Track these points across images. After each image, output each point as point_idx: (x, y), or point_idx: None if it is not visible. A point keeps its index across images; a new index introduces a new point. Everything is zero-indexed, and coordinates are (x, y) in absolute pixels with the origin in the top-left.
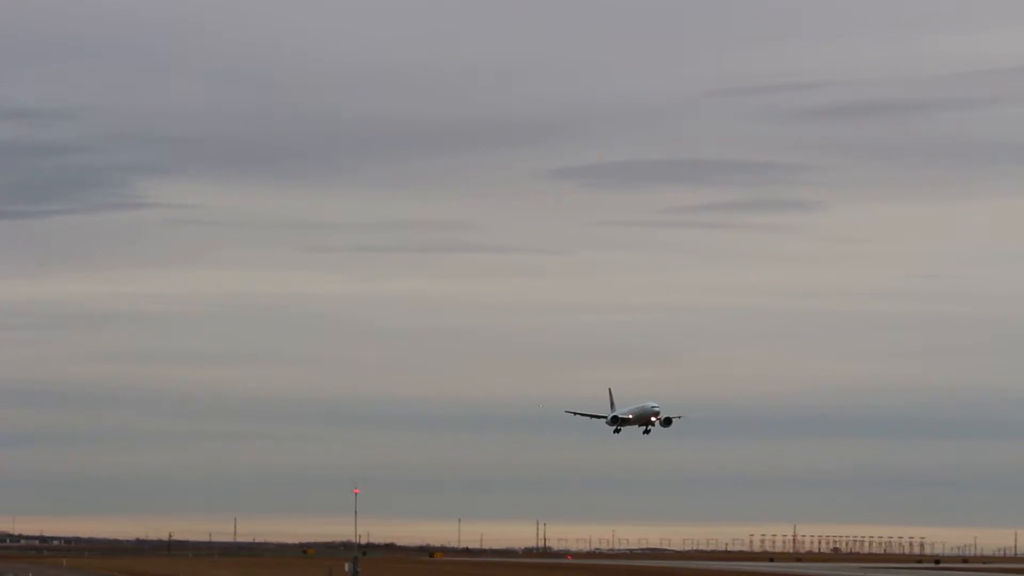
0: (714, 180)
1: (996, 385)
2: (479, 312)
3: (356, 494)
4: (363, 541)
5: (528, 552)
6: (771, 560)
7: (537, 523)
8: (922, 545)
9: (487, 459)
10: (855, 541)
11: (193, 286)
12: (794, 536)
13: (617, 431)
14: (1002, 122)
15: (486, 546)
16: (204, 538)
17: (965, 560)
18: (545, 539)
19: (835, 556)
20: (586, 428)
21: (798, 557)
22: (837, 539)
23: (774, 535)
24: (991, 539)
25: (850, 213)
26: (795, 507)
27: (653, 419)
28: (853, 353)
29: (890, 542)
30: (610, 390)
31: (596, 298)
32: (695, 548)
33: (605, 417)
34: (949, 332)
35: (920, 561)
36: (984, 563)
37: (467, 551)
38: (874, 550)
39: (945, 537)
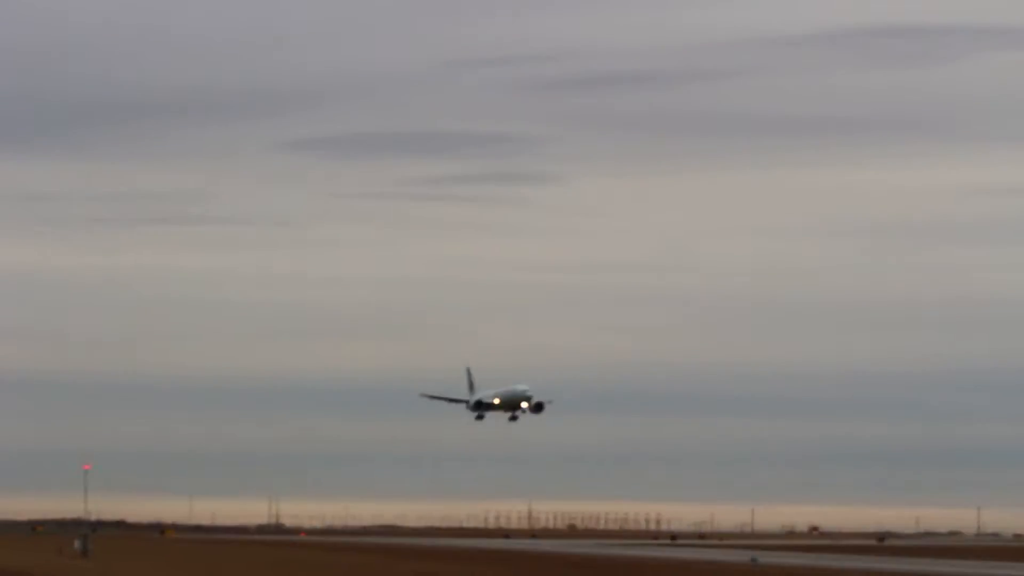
0: (455, 152)
1: (750, 360)
2: (213, 285)
3: (86, 470)
4: (93, 518)
5: (261, 528)
6: (506, 537)
7: (269, 500)
8: (658, 521)
9: (219, 435)
10: (591, 517)
11: None
12: (529, 513)
13: (480, 417)
14: (752, 94)
15: (218, 523)
16: None
17: (702, 536)
18: (278, 516)
19: (571, 532)
20: (321, 407)
21: (533, 534)
22: (573, 516)
23: (509, 512)
24: (728, 515)
25: (593, 186)
26: (531, 484)
27: (523, 404)
28: (595, 327)
29: (626, 518)
30: (469, 370)
31: (330, 271)
32: (430, 525)
33: (466, 401)
34: (693, 307)
35: (656, 537)
36: (720, 539)
37: (199, 528)
38: (611, 526)
39: (682, 513)
